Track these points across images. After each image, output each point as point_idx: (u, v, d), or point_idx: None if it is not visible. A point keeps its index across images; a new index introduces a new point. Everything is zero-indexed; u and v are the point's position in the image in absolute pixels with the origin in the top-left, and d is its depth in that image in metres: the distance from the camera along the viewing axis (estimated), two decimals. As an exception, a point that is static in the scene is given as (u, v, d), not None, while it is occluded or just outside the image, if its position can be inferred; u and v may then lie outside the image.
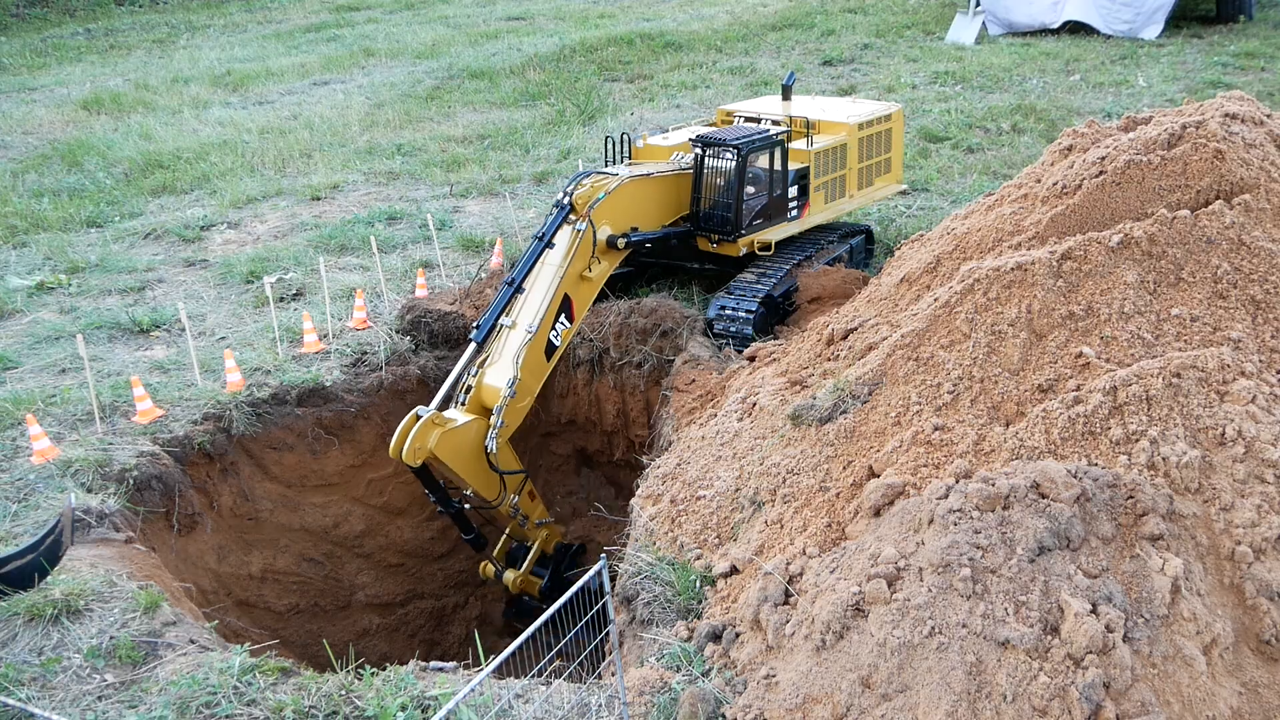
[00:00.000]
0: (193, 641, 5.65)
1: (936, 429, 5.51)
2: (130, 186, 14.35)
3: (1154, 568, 4.51)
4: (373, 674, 5.27)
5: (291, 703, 5.04)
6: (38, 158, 15.72)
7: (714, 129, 9.75)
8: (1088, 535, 4.61)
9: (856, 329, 7.01)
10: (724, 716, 4.71)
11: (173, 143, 16.26)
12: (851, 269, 9.53)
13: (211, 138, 16.56)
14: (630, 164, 9.28)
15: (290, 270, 11.06)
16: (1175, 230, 5.85)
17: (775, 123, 9.88)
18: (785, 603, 5.07)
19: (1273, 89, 16.09)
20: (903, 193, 11.52)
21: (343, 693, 5.12)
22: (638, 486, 7.19)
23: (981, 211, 7.25)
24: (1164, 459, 4.88)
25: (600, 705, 4.95)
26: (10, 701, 5.04)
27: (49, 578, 5.76)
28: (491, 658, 3.94)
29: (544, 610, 4.08)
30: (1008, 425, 5.42)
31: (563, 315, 7.76)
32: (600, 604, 4.37)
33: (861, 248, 10.52)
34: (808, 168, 9.54)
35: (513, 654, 3.88)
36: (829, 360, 6.97)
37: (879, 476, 5.42)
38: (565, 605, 4.10)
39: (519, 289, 7.54)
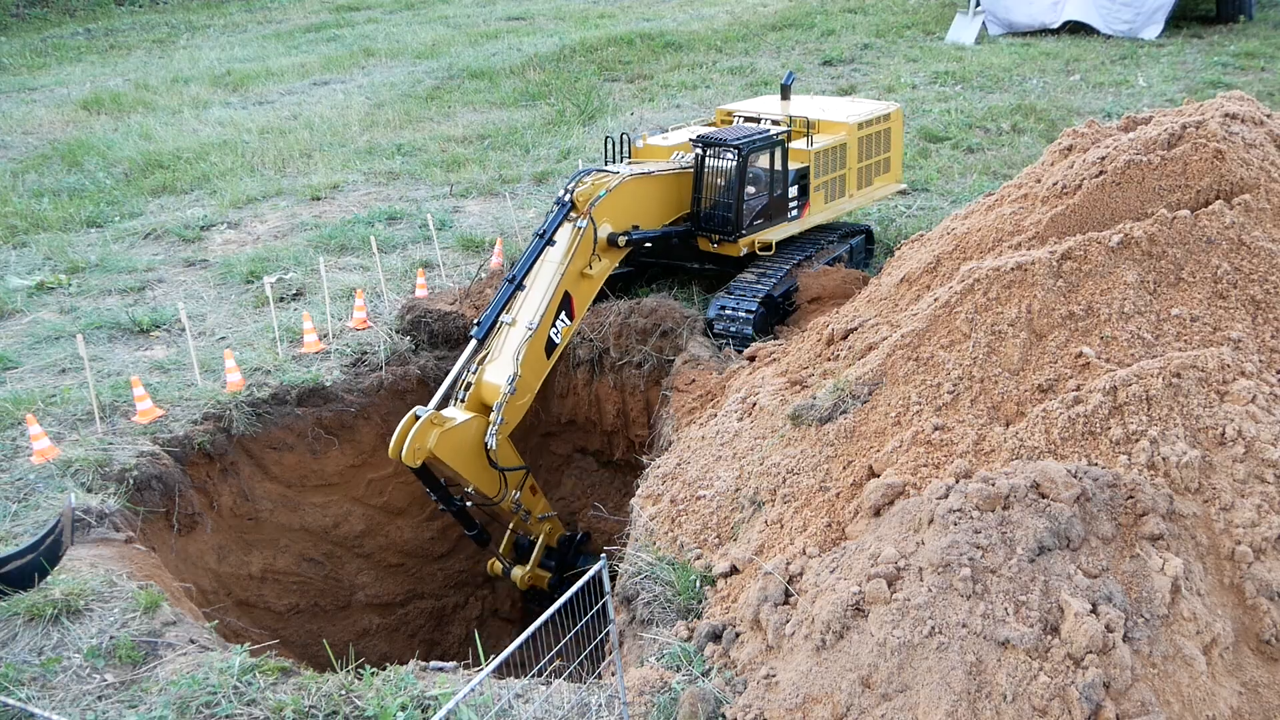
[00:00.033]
0: (193, 641, 5.65)
1: (936, 429, 5.51)
2: (130, 186, 14.36)
3: (1154, 568, 4.51)
4: (373, 674, 5.27)
5: (291, 703, 5.04)
6: (38, 158, 15.72)
7: (714, 129, 9.75)
8: (1088, 535, 4.61)
9: (856, 329, 7.01)
10: (724, 716, 4.71)
11: (173, 143, 16.26)
12: (851, 269, 9.53)
13: (211, 138, 16.57)
14: (631, 162, 9.28)
15: (290, 270, 11.06)
16: (1175, 230, 5.85)
17: (775, 122, 9.88)
18: (785, 603, 5.07)
19: (1273, 89, 16.09)
20: (902, 192, 11.52)
21: (343, 693, 5.12)
22: (638, 486, 7.19)
23: (981, 211, 7.25)
24: (1164, 459, 4.88)
25: (600, 705, 4.95)
26: (10, 701, 5.04)
27: (49, 578, 5.76)
28: (491, 658, 3.94)
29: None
30: (1008, 425, 5.42)
31: (563, 313, 7.76)
32: (600, 604, 4.37)
33: (861, 248, 10.52)
34: (808, 167, 9.54)
35: (513, 654, 3.88)
36: (829, 360, 6.97)
37: (879, 476, 5.42)
38: (565, 605, 4.10)
39: (520, 286, 7.54)
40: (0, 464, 7.27)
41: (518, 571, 8.13)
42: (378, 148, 15.97)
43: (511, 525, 8.06)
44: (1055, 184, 6.59)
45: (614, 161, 9.37)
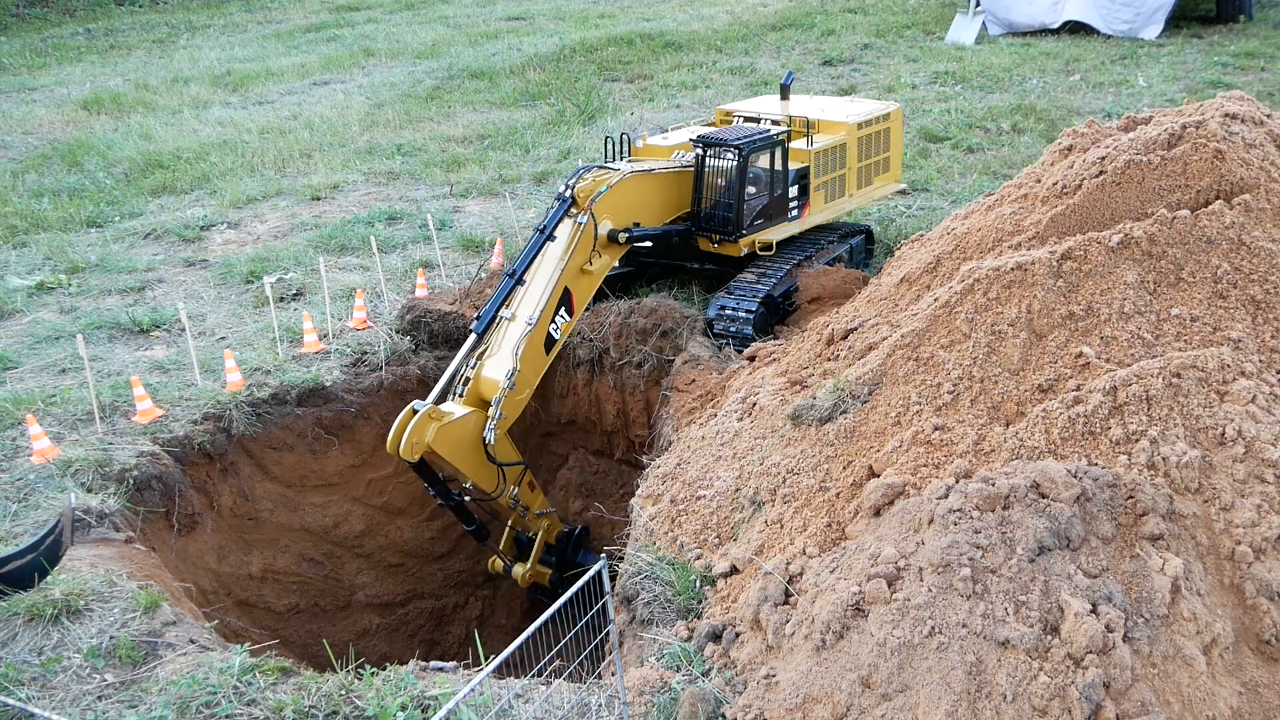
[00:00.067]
0: (193, 641, 5.65)
1: (936, 429, 5.51)
2: (130, 186, 14.36)
3: (1154, 568, 4.51)
4: (373, 674, 5.27)
5: (291, 703, 5.04)
6: (38, 158, 15.72)
7: (714, 129, 9.75)
8: (1088, 535, 4.61)
9: (856, 329, 7.01)
10: (724, 716, 4.71)
11: (173, 143, 16.26)
12: (851, 269, 9.53)
13: (211, 138, 16.57)
14: (632, 161, 9.28)
15: (290, 270, 11.07)
16: (1175, 230, 5.85)
17: (775, 122, 9.88)
18: (785, 603, 5.07)
19: (1273, 89, 16.09)
20: (902, 192, 11.52)
21: (343, 693, 5.12)
22: (638, 486, 7.19)
23: (981, 211, 7.25)
24: (1164, 459, 4.88)
25: (600, 705, 4.95)
26: (10, 701, 5.04)
27: (49, 578, 5.76)
28: (491, 658, 3.94)
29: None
30: (1008, 425, 5.42)
31: (563, 309, 7.75)
32: (600, 604, 4.37)
33: (861, 248, 10.52)
34: (808, 167, 9.54)
35: (513, 654, 3.88)
36: (829, 360, 6.97)
37: (879, 476, 5.42)
38: (565, 605, 4.10)
39: (519, 281, 7.54)
40: (0, 464, 7.27)
41: (518, 569, 8.14)
42: (378, 148, 15.97)
43: (510, 522, 8.05)
44: (1055, 184, 6.59)
45: (614, 161, 9.37)
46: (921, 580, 4.53)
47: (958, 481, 4.92)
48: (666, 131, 10.24)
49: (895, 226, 11.55)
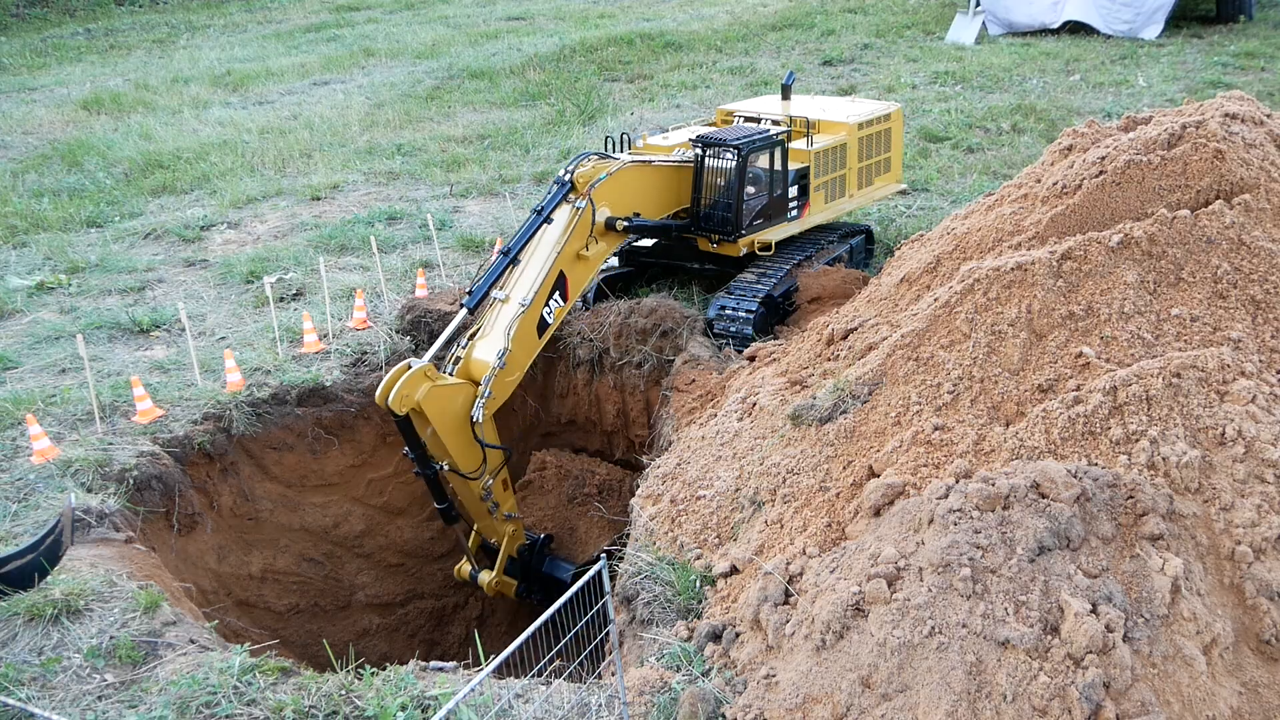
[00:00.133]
0: (193, 641, 5.65)
1: (936, 429, 5.51)
2: (130, 186, 14.36)
3: (1154, 568, 4.51)
4: (373, 674, 5.27)
5: (291, 703, 5.04)
6: (38, 158, 15.72)
7: (714, 129, 9.75)
8: (1088, 535, 4.61)
9: (856, 329, 7.01)
10: (724, 716, 4.71)
11: (173, 143, 16.26)
12: (851, 269, 9.53)
13: (211, 138, 16.57)
14: (633, 151, 9.28)
15: (290, 270, 11.07)
16: (1175, 230, 5.85)
17: (775, 122, 9.89)
18: (785, 603, 5.07)
19: (1273, 89, 16.09)
20: (902, 192, 11.52)
21: (343, 693, 5.12)
22: (638, 486, 7.19)
23: (981, 211, 7.25)
24: (1164, 459, 4.88)
25: (600, 705, 4.95)
26: (10, 701, 5.04)
27: (49, 578, 5.76)
28: (491, 657, 3.94)
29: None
30: (1008, 425, 5.42)
31: (557, 293, 7.72)
32: (600, 604, 4.37)
33: (861, 248, 10.52)
34: (808, 167, 9.54)
35: (513, 654, 3.88)
36: (829, 360, 6.97)
37: (879, 476, 5.42)
38: (565, 605, 4.10)
39: (514, 260, 7.50)
40: (0, 464, 7.27)
41: (485, 576, 7.97)
42: (378, 148, 15.98)
43: (475, 526, 7.88)
44: (1055, 184, 6.59)
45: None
46: (921, 580, 4.53)
47: (958, 481, 4.93)
48: (667, 131, 10.24)
49: (895, 226, 11.55)
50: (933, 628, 4.36)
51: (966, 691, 4.17)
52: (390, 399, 6.57)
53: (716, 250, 9.25)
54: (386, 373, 6.76)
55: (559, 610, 4.05)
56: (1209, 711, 4.24)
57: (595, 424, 9.80)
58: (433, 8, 29.72)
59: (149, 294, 10.71)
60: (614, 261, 10.18)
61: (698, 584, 5.76)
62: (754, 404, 7.03)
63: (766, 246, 9.19)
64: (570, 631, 4.57)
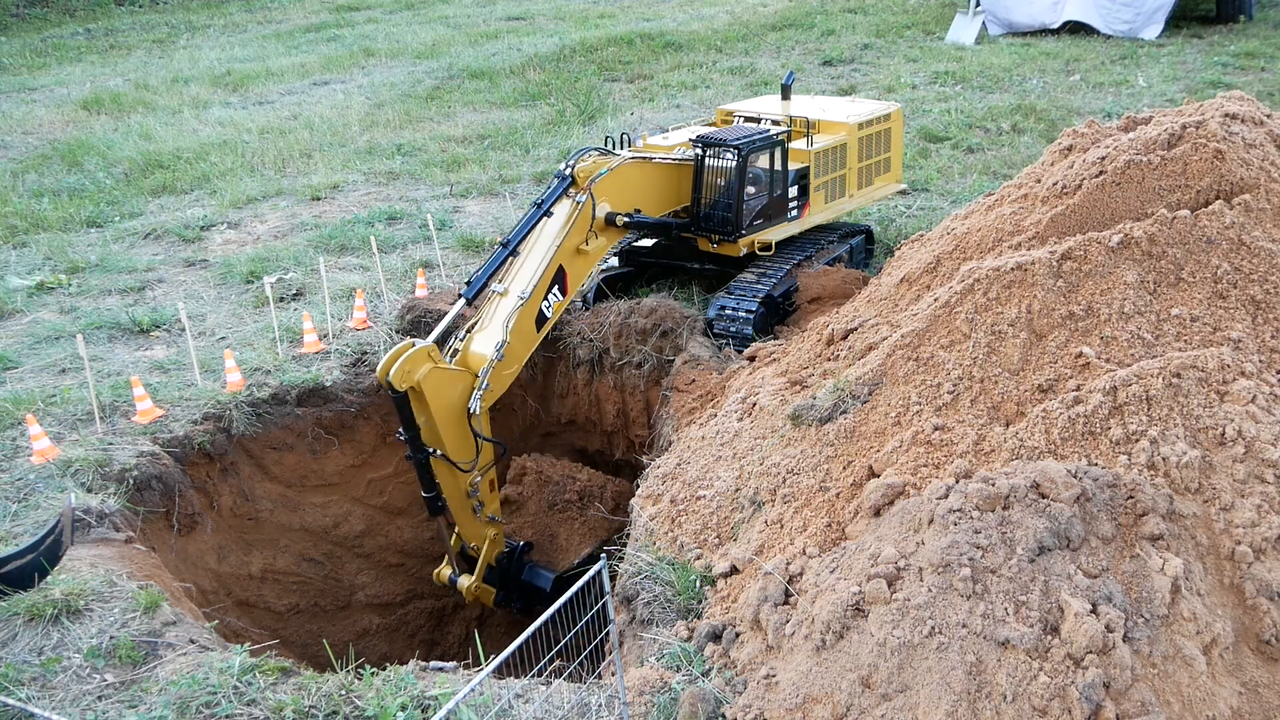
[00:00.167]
0: (193, 641, 5.65)
1: (936, 429, 5.51)
2: (130, 186, 14.36)
3: (1154, 568, 4.51)
4: (373, 674, 5.27)
5: (291, 703, 5.04)
6: (38, 158, 15.72)
7: (714, 129, 9.75)
8: (1088, 535, 4.61)
9: (856, 329, 7.01)
10: (724, 716, 4.71)
11: (173, 143, 16.27)
12: (851, 269, 9.53)
13: (211, 138, 16.57)
14: (633, 149, 9.28)
15: (290, 270, 11.07)
16: (1175, 230, 5.85)
17: (775, 122, 9.89)
18: (785, 603, 5.07)
19: (1273, 89, 16.09)
20: (902, 192, 11.52)
21: (343, 693, 5.12)
22: (638, 486, 7.18)
23: (981, 211, 7.25)
24: (1164, 459, 4.88)
25: (600, 705, 4.95)
26: (10, 701, 5.04)
27: (49, 578, 5.76)
28: (491, 657, 3.94)
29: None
30: (1008, 425, 5.42)
31: (555, 287, 7.71)
32: (600, 604, 4.37)
33: (861, 248, 10.52)
34: (808, 167, 9.54)
35: (513, 654, 3.88)
36: (829, 360, 6.97)
37: (879, 476, 5.42)
38: (565, 605, 4.10)
39: (514, 252, 7.50)
40: (0, 464, 7.27)
41: (464, 580, 7.82)
42: (378, 148, 15.98)
43: (456, 530, 7.72)
44: (1055, 184, 6.59)
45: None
46: (921, 580, 4.53)
47: (958, 481, 4.93)
48: (667, 131, 10.24)
49: (895, 226, 11.55)
50: (933, 628, 4.36)
51: (966, 691, 4.17)
52: (391, 374, 6.50)
53: (716, 250, 9.25)
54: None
55: (559, 610, 4.05)
56: (1209, 711, 4.24)
57: (595, 424, 9.81)
58: (433, 8, 29.73)
59: (149, 294, 10.71)
60: (614, 261, 10.18)
61: (698, 584, 5.76)
62: (754, 404, 7.03)
63: (766, 246, 9.19)
64: (570, 631, 4.57)
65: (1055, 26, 21.62)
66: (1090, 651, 4.19)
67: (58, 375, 8.77)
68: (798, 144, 9.53)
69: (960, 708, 4.14)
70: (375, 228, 12.17)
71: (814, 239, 9.94)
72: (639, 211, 8.43)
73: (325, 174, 14.66)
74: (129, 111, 18.45)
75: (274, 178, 14.61)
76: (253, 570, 8.41)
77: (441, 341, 7.04)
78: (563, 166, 7.91)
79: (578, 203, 7.79)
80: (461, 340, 7.26)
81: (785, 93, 10.64)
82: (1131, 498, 4.72)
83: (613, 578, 6.23)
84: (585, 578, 4.20)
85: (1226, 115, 6.46)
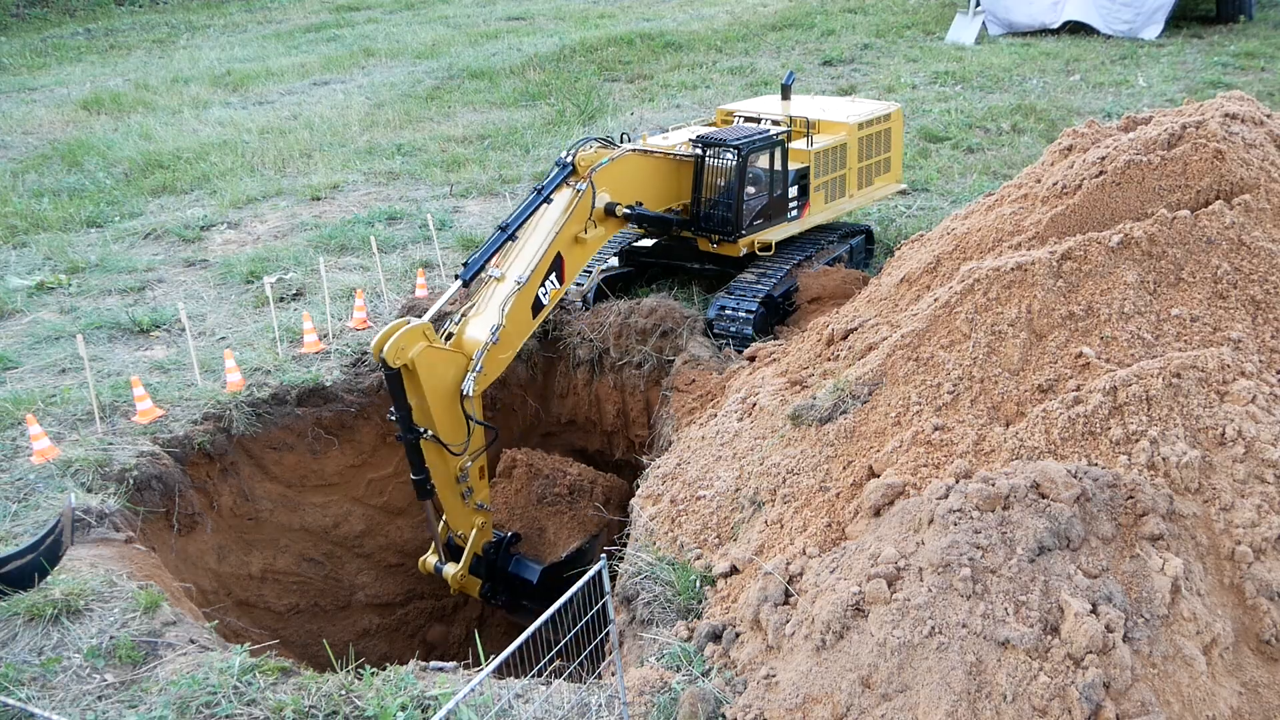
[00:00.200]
0: (193, 641, 5.65)
1: (936, 429, 5.51)
2: (130, 186, 14.36)
3: (1154, 568, 4.51)
4: (373, 674, 5.27)
5: (291, 703, 5.04)
6: (38, 158, 15.72)
7: (714, 129, 9.75)
8: (1088, 535, 4.61)
9: (856, 329, 7.01)
10: (724, 716, 4.71)
11: (173, 143, 16.27)
12: (851, 269, 9.53)
13: (211, 138, 16.57)
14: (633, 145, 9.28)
15: (290, 270, 11.07)
16: (1175, 230, 5.85)
17: (775, 123, 9.89)
18: (785, 603, 5.07)
19: (1273, 89, 16.09)
20: (902, 192, 11.52)
21: (343, 693, 5.12)
22: (638, 486, 7.18)
23: (981, 211, 7.25)
24: (1164, 459, 4.88)
25: (600, 705, 4.95)
26: (10, 701, 5.04)
27: (49, 578, 5.76)
28: (491, 657, 3.94)
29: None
30: (1008, 425, 5.42)
31: (553, 274, 7.69)
32: (600, 604, 4.37)
33: (861, 248, 10.52)
34: (808, 168, 9.54)
35: (513, 654, 3.88)
36: (829, 360, 6.97)
37: (879, 476, 5.42)
38: (565, 605, 4.10)
39: (512, 236, 7.48)
40: (0, 464, 7.27)
41: (450, 569, 7.74)
42: (378, 148, 15.98)
43: (443, 519, 7.65)
44: (1055, 184, 6.59)
45: None
46: (921, 580, 4.53)
47: (958, 481, 4.93)
48: (666, 131, 10.24)
49: (895, 226, 11.55)
50: (933, 628, 4.36)
51: (966, 691, 4.17)
52: (385, 350, 6.47)
53: (716, 250, 9.25)
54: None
55: (559, 610, 4.05)
56: (1209, 711, 4.24)
57: (595, 424, 9.81)
58: (433, 8, 29.73)
59: (149, 294, 10.71)
60: (614, 262, 10.18)
61: (698, 584, 5.76)
62: (754, 404, 7.03)
63: (766, 246, 9.19)
64: (570, 632, 4.57)
65: (1055, 26, 21.62)
66: (1090, 651, 4.19)
67: (58, 375, 8.77)
68: (798, 144, 9.53)
69: (960, 708, 4.14)
70: (375, 228, 12.17)
71: (814, 239, 9.94)
72: (640, 205, 8.42)
73: (325, 174, 14.66)
74: (129, 111, 18.45)
75: (274, 178, 14.61)
76: (253, 570, 8.41)
77: (436, 325, 7.03)
78: (564, 154, 7.90)
79: (578, 191, 7.78)
80: (456, 325, 7.24)
81: (785, 93, 10.64)
82: (1131, 498, 4.72)
83: (613, 578, 6.23)
84: (585, 578, 4.20)
85: (1226, 115, 6.46)
